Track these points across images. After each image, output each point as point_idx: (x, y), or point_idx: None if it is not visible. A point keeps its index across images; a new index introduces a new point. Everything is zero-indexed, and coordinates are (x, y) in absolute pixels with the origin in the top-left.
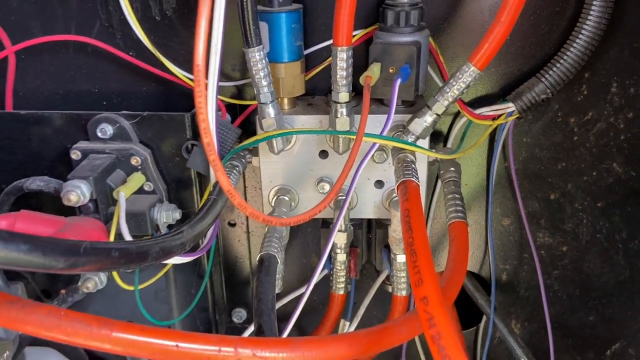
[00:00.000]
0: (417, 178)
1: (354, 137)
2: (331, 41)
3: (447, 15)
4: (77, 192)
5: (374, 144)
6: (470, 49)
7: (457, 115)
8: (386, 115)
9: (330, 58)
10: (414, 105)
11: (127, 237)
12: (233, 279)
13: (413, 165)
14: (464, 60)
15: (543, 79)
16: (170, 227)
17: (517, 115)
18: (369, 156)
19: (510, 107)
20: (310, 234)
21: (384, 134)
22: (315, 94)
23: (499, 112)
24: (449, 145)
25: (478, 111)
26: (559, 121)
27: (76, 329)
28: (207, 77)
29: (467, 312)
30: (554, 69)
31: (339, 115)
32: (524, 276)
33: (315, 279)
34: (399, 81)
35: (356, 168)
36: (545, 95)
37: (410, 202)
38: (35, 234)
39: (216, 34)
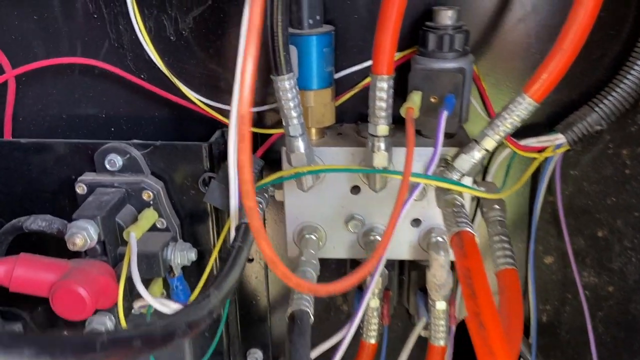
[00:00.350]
0: (472, 226)
1: (397, 177)
2: (363, 64)
3: (490, 38)
4: (84, 234)
5: (418, 184)
6: (515, 75)
7: (498, 145)
8: (425, 148)
9: (363, 82)
10: (454, 136)
11: (138, 283)
12: (249, 317)
13: (464, 210)
14: (508, 87)
15: (597, 109)
16: (184, 268)
17: (567, 147)
18: (412, 198)
19: (559, 138)
20: (334, 272)
21: (430, 172)
22: (344, 122)
23: (547, 144)
24: (489, 178)
25: (523, 142)
26: (610, 153)
27: None
28: (231, 105)
29: None
30: (610, 97)
31: (376, 150)
32: (566, 318)
33: (350, 336)
34: (445, 113)
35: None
36: (599, 126)
37: (470, 259)
38: (36, 281)
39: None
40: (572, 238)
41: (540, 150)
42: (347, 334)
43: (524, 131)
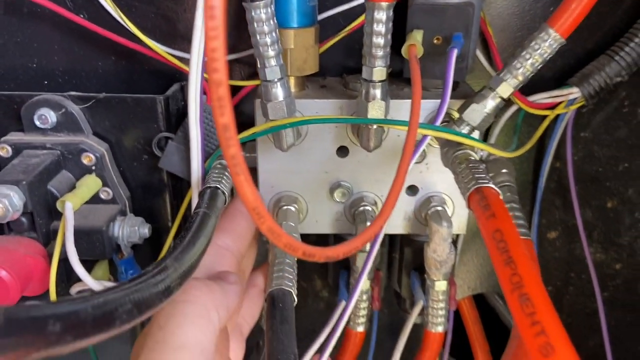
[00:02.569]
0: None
1: (402, 128)
2: (351, 3)
3: None
4: (4, 202)
5: (424, 138)
6: (526, 18)
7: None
8: (427, 100)
9: (349, 26)
10: (456, 88)
11: (76, 265)
12: None
13: (482, 166)
14: (517, 34)
15: (617, 58)
16: (135, 247)
17: (582, 102)
18: (416, 155)
19: (574, 92)
20: None
21: (437, 123)
22: (326, 75)
23: (560, 100)
24: (491, 140)
25: (532, 98)
26: (625, 112)
27: None
28: (191, 52)
29: (500, 337)
30: (632, 44)
31: (371, 98)
32: (569, 299)
33: (339, 330)
34: (455, 52)
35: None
36: (620, 78)
37: (500, 219)
38: None
39: None
40: (580, 210)
41: (552, 107)
42: (339, 323)
43: (531, 87)
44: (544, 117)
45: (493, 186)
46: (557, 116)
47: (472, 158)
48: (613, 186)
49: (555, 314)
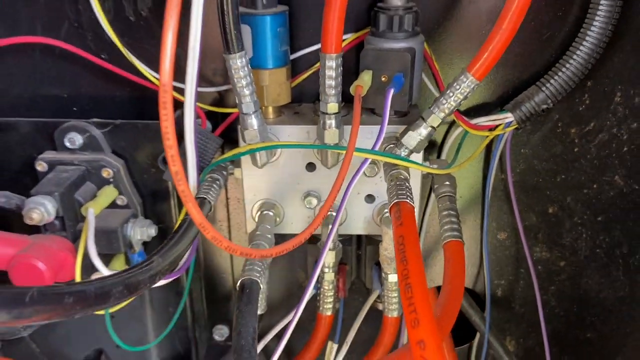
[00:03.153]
0: (412, 199)
1: (344, 152)
2: (319, 45)
3: (442, 19)
4: (41, 209)
5: (366, 159)
6: (468, 55)
7: (452, 124)
8: (378, 126)
9: (318, 63)
10: (407, 115)
11: (95, 258)
12: (214, 294)
13: (407, 184)
14: (461, 67)
15: (544, 88)
16: (145, 244)
17: (516, 125)
18: (360, 172)
19: (508, 117)
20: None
21: (376, 148)
22: (302, 101)
23: (497, 123)
24: (443, 156)
25: (474, 121)
26: (559, 132)
27: None
28: (185, 84)
29: (460, 328)
30: (556, 77)
31: (327, 127)
32: (520, 292)
33: (304, 303)
34: (392, 91)
35: (347, 184)
36: (546, 105)
37: (405, 227)
38: None
39: (194, 37)
40: (524, 214)
41: (491, 128)
42: (299, 305)
43: (477, 111)
44: (486, 137)
45: (408, 201)
46: (497, 136)
47: (402, 177)
48: (553, 194)
49: (426, 301)
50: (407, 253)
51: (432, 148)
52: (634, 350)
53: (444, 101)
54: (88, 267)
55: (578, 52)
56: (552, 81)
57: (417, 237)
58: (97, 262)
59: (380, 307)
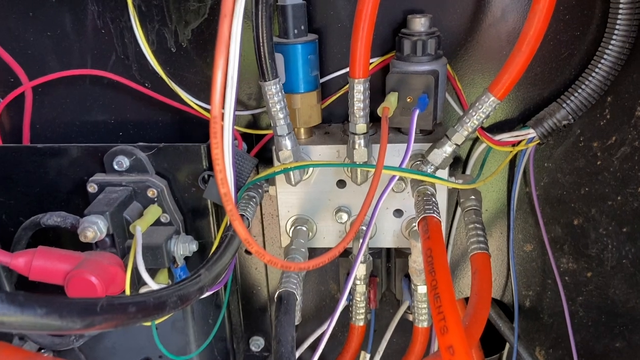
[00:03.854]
0: (438, 213)
1: (373, 169)
2: (347, 69)
3: (464, 42)
4: (94, 228)
5: (394, 176)
6: (489, 75)
7: (476, 140)
8: (404, 144)
9: (347, 86)
10: (432, 133)
11: (143, 272)
12: (250, 306)
13: (433, 199)
14: (483, 86)
15: (565, 105)
16: (187, 259)
17: (538, 141)
18: (389, 189)
19: (530, 133)
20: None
21: (403, 165)
22: (332, 122)
23: (519, 139)
24: (468, 171)
25: (498, 137)
26: (581, 146)
27: None
28: (223, 108)
29: (489, 339)
30: (576, 94)
31: (356, 146)
32: (548, 302)
33: (337, 314)
34: (417, 112)
35: (376, 200)
36: (567, 121)
37: (433, 240)
38: (53, 271)
39: (232, 67)
40: (549, 227)
41: (514, 144)
42: (333, 315)
43: (500, 127)
44: (509, 152)
45: (435, 215)
46: (520, 151)
47: (428, 192)
48: (577, 207)
49: (454, 309)
50: (435, 265)
51: (457, 164)
52: None
53: (467, 120)
54: (135, 280)
55: (597, 69)
56: (572, 98)
57: (444, 250)
58: (146, 276)
59: (410, 318)
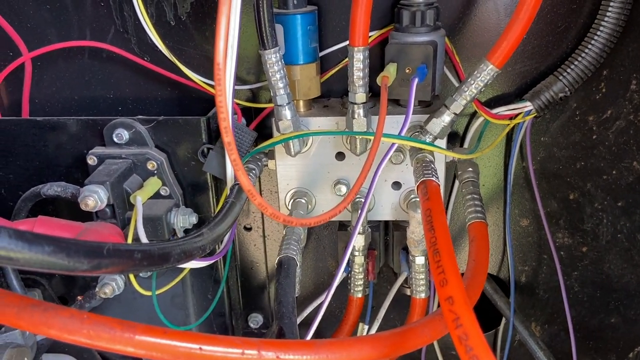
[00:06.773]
0: (437, 178)
1: (372, 137)
2: (347, 42)
3: (462, 14)
4: (95, 197)
5: (393, 144)
6: (486, 48)
7: (473, 115)
8: (403, 116)
9: (346, 59)
10: (430, 105)
11: (145, 241)
12: (249, 283)
13: (432, 165)
14: (480, 59)
15: (561, 77)
16: (186, 231)
17: (535, 114)
18: (388, 157)
19: (527, 106)
20: (326, 237)
21: (402, 134)
22: (331, 96)
23: (517, 112)
24: (465, 145)
25: (495, 111)
26: (577, 120)
27: (99, 332)
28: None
29: (486, 315)
30: (572, 67)
31: (356, 116)
32: (544, 278)
33: (335, 284)
34: (416, 81)
35: (375, 170)
36: (564, 93)
37: (432, 201)
38: None
39: (232, 36)
40: (545, 201)
41: (511, 117)
42: (331, 285)
43: (496, 101)
44: (506, 125)
45: (434, 179)
46: (517, 125)
47: (427, 159)
48: (573, 181)
49: (453, 262)
50: (434, 223)
51: (455, 138)
52: None
53: (466, 88)
54: None
55: (593, 42)
56: (569, 70)
57: (443, 209)
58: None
59: (408, 292)
